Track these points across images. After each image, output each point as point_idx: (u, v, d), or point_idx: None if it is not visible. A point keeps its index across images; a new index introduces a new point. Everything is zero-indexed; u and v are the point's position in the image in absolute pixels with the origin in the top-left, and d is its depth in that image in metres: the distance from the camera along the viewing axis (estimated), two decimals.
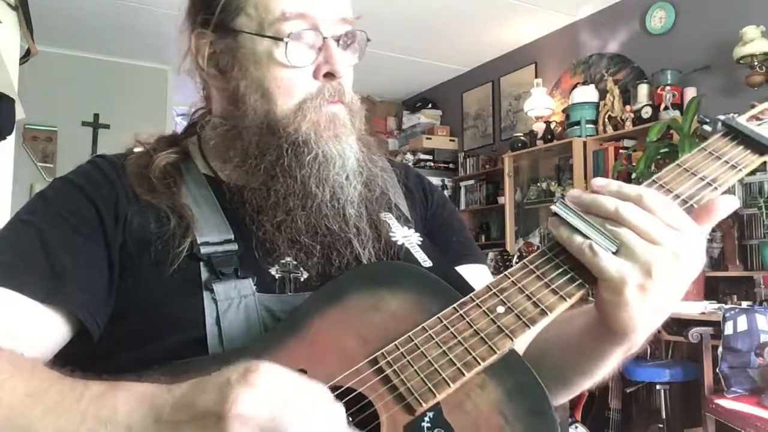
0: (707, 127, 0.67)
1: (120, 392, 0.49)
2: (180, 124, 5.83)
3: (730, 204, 0.60)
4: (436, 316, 0.59)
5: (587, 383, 0.72)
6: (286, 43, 0.69)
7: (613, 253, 0.57)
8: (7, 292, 0.61)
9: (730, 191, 0.63)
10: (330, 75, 0.72)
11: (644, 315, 0.58)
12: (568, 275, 0.59)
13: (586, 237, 0.58)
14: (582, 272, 0.59)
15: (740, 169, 0.63)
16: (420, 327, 0.58)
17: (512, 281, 0.60)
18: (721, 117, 0.66)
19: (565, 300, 0.58)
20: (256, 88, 0.72)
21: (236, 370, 0.46)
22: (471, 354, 0.56)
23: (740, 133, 0.66)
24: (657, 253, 0.56)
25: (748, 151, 0.65)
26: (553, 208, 0.60)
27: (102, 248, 0.67)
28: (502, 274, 0.61)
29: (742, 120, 0.67)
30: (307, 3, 0.70)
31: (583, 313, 0.66)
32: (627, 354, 0.65)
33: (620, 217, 0.57)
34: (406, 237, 0.77)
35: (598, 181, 0.60)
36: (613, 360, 0.67)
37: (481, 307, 0.59)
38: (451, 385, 0.54)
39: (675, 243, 0.56)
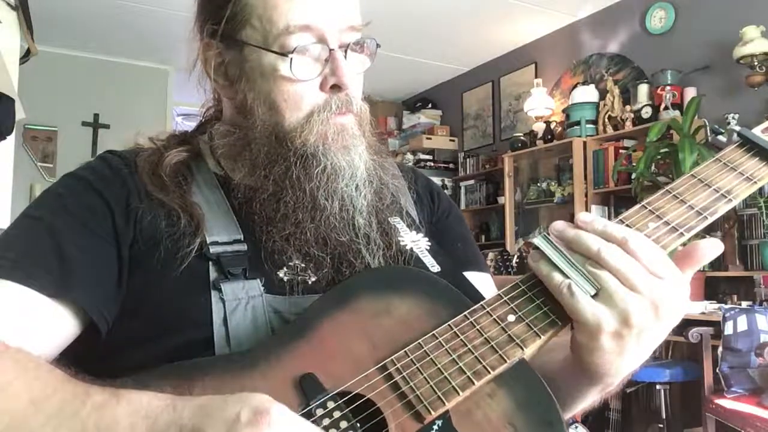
0: (722, 138, 0.66)
1: (121, 404, 0.49)
2: (180, 124, 5.83)
3: (715, 248, 0.58)
4: (446, 324, 0.59)
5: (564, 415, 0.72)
6: (291, 58, 0.69)
7: (592, 296, 0.55)
8: (16, 287, 0.61)
9: None
10: (336, 87, 0.71)
11: (617, 361, 0.57)
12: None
13: (565, 276, 0.57)
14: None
15: (755, 182, 0.63)
16: (430, 334, 0.58)
17: (523, 289, 0.60)
18: (737, 128, 0.65)
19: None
20: (264, 101, 0.72)
21: (246, 406, 0.46)
22: (481, 363, 0.56)
23: (756, 145, 0.65)
24: (636, 301, 0.54)
25: (764, 164, 0.64)
26: (535, 241, 0.59)
27: (112, 245, 0.67)
28: (514, 282, 0.61)
29: (757, 131, 0.66)
30: (312, 15, 0.69)
31: (563, 345, 0.64)
32: (603, 392, 0.65)
33: (602, 259, 0.55)
34: (415, 242, 0.77)
35: (584, 217, 0.58)
36: (588, 398, 0.66)
37: (491, 315, 0.59)
38: (461, 393, 0.54)
39: (656, 292, 0.54)
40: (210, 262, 0.67)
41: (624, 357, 0.57)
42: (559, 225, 0.59)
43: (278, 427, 0.45)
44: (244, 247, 0.69)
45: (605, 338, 0.55)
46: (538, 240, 0.59)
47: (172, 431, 0.47)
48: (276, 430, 0.45)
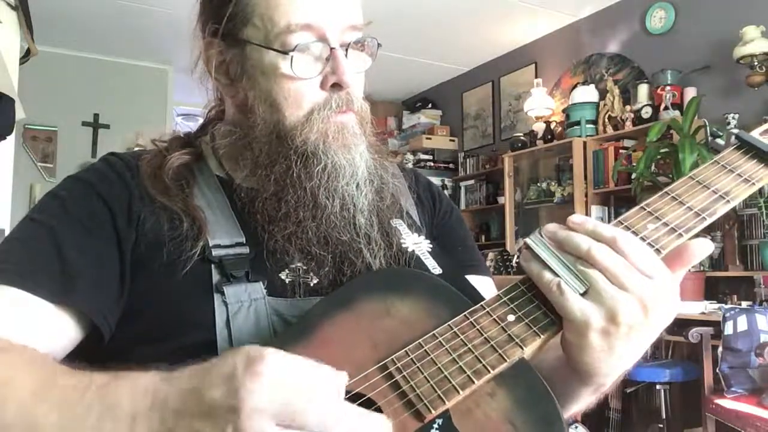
0: (720, 141, 0.67)
1: (123, 382, 0.50)
2: (180, 124, 5.83)
3: (705, 249, 0.58)
4: (446, 324, 0.59)
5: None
6: (292, 56, 0.69)
7: (582, 295, 0.56)
8: (19, 292, 0.61)
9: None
10: (337, 85, 0.71)
11: (607, 360, 0.57)
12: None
13: (556, 274, 0.57)
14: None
15: (753, 183, 0.63)
16: (430, 334, 0.59)
17: (523, 289, 0.61)
18: (735, 131, 0.65)
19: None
20: (265, 99, 0.72)
21: (240, 358, 0.46)
22: (481, 362, 0.56)
23: (754, 147, 0.65)
24: (624, 299, 0.54)
25: (762, 165, 0.64)
26: (527, 241, 0.60)
27: (114, 248, 0.67)
28: (514, 283, 0.61)
29: (755, 134, 0.66)
30: (313, 14, 0.69)
31: (556, 346, 0.64)
32: (596, 393, 0.65)
33: (592, 257, 0.55)
34: (417, 244, 0.77)
35: (575, 218, 0.59)
36: (581, 398, 0.66)
37: (491, 315, 0.59)
38: (461, 392, 0.54)
39: (644, 290, 0.55)
40: (212, 265, 0.67)
41: (614, 356, 0.57)
42: (552, 227, 0.60)
43: (276, 369, 0.44)
44: (246, 249, 0.69)
45: (594, 336, 0.55)
46: (529, 240, 0.60)
47: (171, 401, 0.47)
48: (274, 373, 0.44)
